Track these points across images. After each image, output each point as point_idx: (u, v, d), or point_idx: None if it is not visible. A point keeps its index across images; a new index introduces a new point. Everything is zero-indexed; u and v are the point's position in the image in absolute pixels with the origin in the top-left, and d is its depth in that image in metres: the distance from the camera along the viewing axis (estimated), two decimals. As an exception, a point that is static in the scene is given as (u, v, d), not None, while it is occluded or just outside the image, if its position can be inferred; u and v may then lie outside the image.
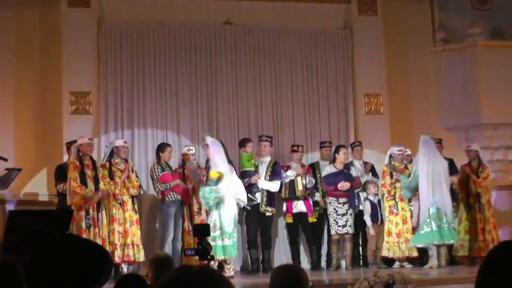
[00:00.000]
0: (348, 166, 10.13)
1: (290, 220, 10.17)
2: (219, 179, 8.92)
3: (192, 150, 9.88)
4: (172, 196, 9.65)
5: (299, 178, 10.06)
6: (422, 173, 9.54)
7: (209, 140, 9.10)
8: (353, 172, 10.19)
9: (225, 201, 8.91)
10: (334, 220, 9.98)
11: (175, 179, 9.59)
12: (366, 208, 10.10)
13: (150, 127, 10.57)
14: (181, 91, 10.71)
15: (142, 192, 9.75)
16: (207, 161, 9.34)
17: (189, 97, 10.75)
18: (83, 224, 8.66)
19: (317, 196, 10.26)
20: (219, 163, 8.94)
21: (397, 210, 9.90)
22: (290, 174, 10.09)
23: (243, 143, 10.14)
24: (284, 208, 10.21)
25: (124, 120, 10.50)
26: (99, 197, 8.88)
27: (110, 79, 10.48)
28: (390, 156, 10.06)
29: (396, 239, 9.85)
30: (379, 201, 10.15)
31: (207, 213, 9.28)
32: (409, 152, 10.18)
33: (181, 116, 10.69)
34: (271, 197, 10.02)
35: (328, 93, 11.30)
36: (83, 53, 10.36)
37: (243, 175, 9.92)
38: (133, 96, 10.56)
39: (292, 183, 10.06)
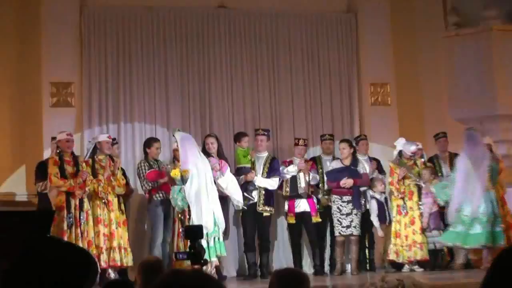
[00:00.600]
0: (355, 162, 10.17)
1: (292, 220, 10.16)
2: (183, 177, 9.02)
3: None
4: (160, 195, 9.66)
5: (301, 174, 10.07)
6: (460, 172, 9.59)
7: (178, 136, 9.16)
8: (361, 168, 10.23)
9: (201, 196, 8.95)
10: (338, 220, 10.00)
11: (163, 177, 9.58)
12: (373, 207, 10.10)
13: (138, 121, 10.57)
14: (171, 82, 10.72)
15: (132, 191, 9.85)
16: (174, 158, 9.52)
17: (180, 88, 10.75)
18: (64, 225, 8.72)
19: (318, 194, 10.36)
20: (190, 159, 8.99)
21: (406, 210, 9.97)
22: (291, 169, 10.09)
23: (238, 137, 10.17)
24: (286, 207, 10.22)
25: (109, 114, 10.50)
26: (86, 176, 8.97)
27: (94, 69, 10.47)
28: (400, 153, 10.10)
29: (404, 241, 9.90)
30: (386, 199, 10.18)
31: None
32: (420, 146, 10.21)
33: (172, 109, 10.70)
34: (269, 196, 10.02)
35: (330, 83, 11.33)
36: (64, 39, 10.33)
37: (238, 172, 9.97)
38: (119, 87, 10.55)
39: (294, 179, 10.07)
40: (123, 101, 10.54)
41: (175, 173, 9.11)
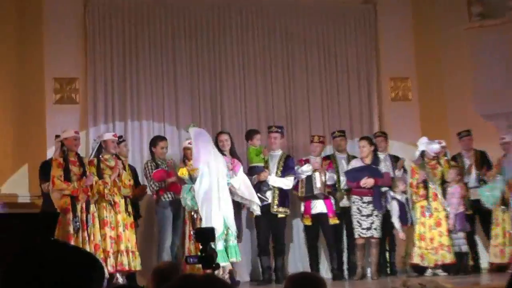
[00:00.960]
0: (376, 160, 10.14)
1: (308, 222, 10.16)
2: (191, 176, 9.04)
3: None
4: (169, 195, 9.67)
5: (317, 173, 10.03)
6: None
7: (192, 132, 9.11)
8: (383, 167, 10.21)
9: (212, 196, 8.90)
10: (358, 221, 9.99)
11: (170, 176, 9.59)
12: (394, 208, 10.06)
13: (146, 119, 10.56)
14: (180, 78, 10.70)
15: (144, 192, 9.85)
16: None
17: (190, 84, 10.73)
18: (71, 229, 8.73)
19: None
20: (202, 158, 8.94)
21: (430, 211, 9.94)
22: (306, 169, 10.05)
23: (250, 135, 10.16)
24: (302, 208, 10.21)
25: (115, 111, 10.48)
26: (91, 182, 8.95)
27: (99, 64, 10.46)
28: (422, 154, 10.06)
29: (429, 244, 9.86)
30: (407, 200, 10.14)
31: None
32: (443, 144, 10.16)
33: (181, 106, 10.68)
34: (284, 196, 9.99)
35: (348, 78, 11.30)
36: (68, 33, 10.36)
37: (251, 171, 9.95)
38: (125, 83, 10.55)
39: (310, 179, 10.04)
40: (129, 97, 10.52)
41: (183, 172, 9.17)
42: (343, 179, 10.27)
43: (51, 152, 9.55)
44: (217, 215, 8.86)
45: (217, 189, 8.95)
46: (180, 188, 9.48)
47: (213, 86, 10.82)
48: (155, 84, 10.62)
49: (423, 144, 10.07)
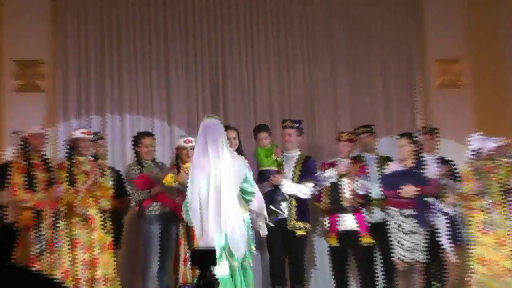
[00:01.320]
0: (421, 163, 9.73)
1: (334, 242, 9.79)
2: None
3: (192, 142, 9.41)
4: (156, 208, 9.38)
5: (346, 180, 9.72)
6: None
7: (201, 126, 8.55)
8: (429, 172, 9.87)
9: (207, 207, 8.32)
10: (398, 241, 9.54)
11: (156, 184, 9.33)
12: (442, 224, 9.66)
13: (129, 112, 10.47)
14: (173, 61, 10.62)
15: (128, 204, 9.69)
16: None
17: (185, 68, 10.63)
18: (34, 250, 8.51)
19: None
20: (195, 160, 8.44)
21: (490, 228, 9.55)
22: (329, 174, 9.74)
23: (255, 132, 9.90)
24: (327, 224, 9.85)
25: (91, 102, 10.38)
26: (61, 192, 8.69)
27: (72, 44, 10.42)
28: (476, 153, 9.71)
29: (490, 269, 9.47)
30: (459, 213, 9.72)
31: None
32: (502, 142, 9.73)
33: (174, 96, 10.57)
34: (304, 209, 9.58)
35: (384, 60, 11.13)
36: (33, 7, 10.30)
37: (261, 177, 9.58)
38: (104, 67, 10.45)
39: (336, 187, 9.71)
40: (109, 85, 10.44)
41: (168, 180, 8.99)
42: (374, 185, 9.96)
43: (9, 152, 9.25)
44: (215, 231, 8.21)
45: (214, 199, 8.25)
46: (170, 199, 9.29)
47: (213, 70, 10.73)
48: (141, 69, 10.53)
49: (476, 141, 9.74)
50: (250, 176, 8.27)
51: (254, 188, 8.37)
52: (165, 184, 9.08)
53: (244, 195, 8.22)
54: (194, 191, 8.23)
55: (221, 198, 8.19)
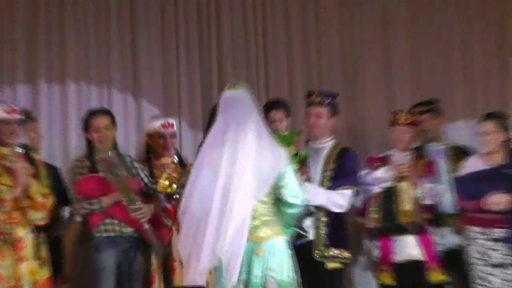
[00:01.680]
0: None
1: (388, 280, 8.44)
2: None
3: (173, 127, 8.69)
4: (109, 227, 8.15)
5: (404, 184, 8.44)
6: None
7: (224, 97, 7.42)
8: None
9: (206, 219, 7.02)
10: (481, 277, 8.24)
11: (111, 191, 8.07)
12: None
13: (75, 80, 9.28)
14: (141, 4, 9.52)
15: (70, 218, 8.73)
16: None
17: (159, 22, 9.63)
18: None
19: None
20: (202, 153, 7.28)
21: None
22: (381, 175, 8.48)
23: (267, 110, 8.72)
24: (376, 252, 8.51)
25: (19, 65, 9.26)
26: None
27: None
28: None
29: None
30: None
31: None
32: None
33: (142, 58, 9.50)
34: (338, 227, 8.19)
35: (463, 28, 10.03)
36: None
37: None
38: (37, 16, 9.41)
39: (390, 196, 8.38)
40: (45, 42, 9.27)
41: (162, 185, 8.14)
42: (445, 192, 8.81)
43: None
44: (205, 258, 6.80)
45: (218, 208, 6.94)
46: (129, 215, 8.04)
47: (203, 25, 9.73)
48: (93, 18, 9.45)
49: None
50: (292, 178, 7.09)
51: (298, 196, 7.22)
52: (161, 190, 8.17)
53: (283, 208, 7.00)
54: (193, 196, 6.99)
55: (228, 208, 6.90)
